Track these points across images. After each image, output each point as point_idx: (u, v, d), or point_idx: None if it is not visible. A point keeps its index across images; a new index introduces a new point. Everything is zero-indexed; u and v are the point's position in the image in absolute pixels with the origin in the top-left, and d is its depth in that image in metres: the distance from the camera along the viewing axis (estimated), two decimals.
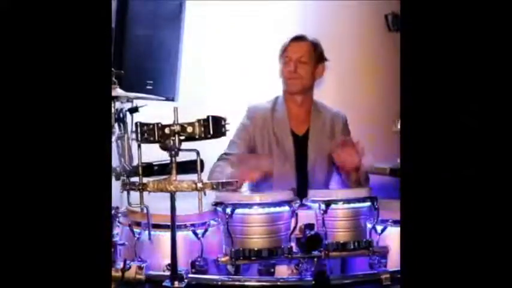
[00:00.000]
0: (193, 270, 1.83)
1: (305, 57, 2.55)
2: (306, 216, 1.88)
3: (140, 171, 1.72)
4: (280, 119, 2.58)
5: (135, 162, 1.77)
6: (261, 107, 2.62)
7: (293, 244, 1.83)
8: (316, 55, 2.60)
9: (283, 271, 1.86)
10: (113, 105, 1.85)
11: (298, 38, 2.58)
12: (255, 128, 2.56)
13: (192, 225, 1.89)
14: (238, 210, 1.80)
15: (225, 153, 2.53)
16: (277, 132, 2.56)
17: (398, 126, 1.81)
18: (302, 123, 2.62)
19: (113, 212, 1.84)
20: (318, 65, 2.61)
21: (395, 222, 1.94)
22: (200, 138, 1.67)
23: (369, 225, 1.92)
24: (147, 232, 1.83)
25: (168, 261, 1.72)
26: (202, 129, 1.65)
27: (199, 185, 1.64)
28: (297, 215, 1.84)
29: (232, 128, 1.88)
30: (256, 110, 2.60)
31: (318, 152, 2.57)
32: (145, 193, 1.69)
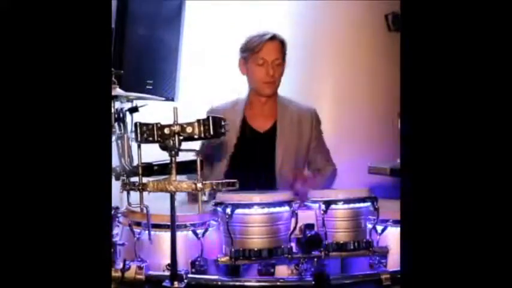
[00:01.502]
0: (193, 270, 1.83)
1: (279, 59, 2.52)
2: (306, 216, 1.88)
3: (140, 171, 1.72)
4: (234, 119, 2.52)
5: (135, 162, 1.77)
6: (219, 109, 2.57)
7: (293, 244, 1.83)
8: (284, 54, 2.56)
9: (283, 271, 1.86)
10: (112, 105, 1.85)
11: (272, 38, 2.51)
12: None
13: (192, 225, 1.89)
14: (238, 210, 1.80)
15: None
16: (230, 132, 2.49)
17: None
18: (265, 119, 2.59)
19: (112, 212, 1.84)
20: (284, 63, 2.57)
21: (395, 222, 1.94)
22: (200, 138, 1.67)
23: (369, 226, 1.92)
24: (147, 232, 1.83)
25: (168, 261, 1.72)
26: (202, 129, 1.65)
27: (199, 185, 1.64)
28: (297, 215, 1.84)
29: None
30: (214, 112, 2.52)
31: (286, 149, 2.55)
32: (145, 193, 1.70)
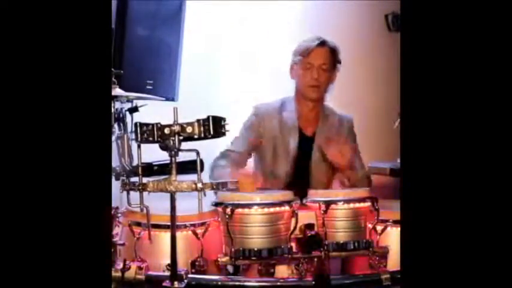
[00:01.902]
0: (193, 270, 1.83)
1: (326, 65, 2.54)
2: (306, 216, 1.88)
3: (140, 171, 1.72)
4: (288, 119, 2.58)
5: (135, 162, 1.77)
6: (268, 106, 2.62)
7: (293, 244, 1.83)
8: (335, 61, 2.59)
9: (283, 271, 1.86)
10: (112, 105, 1.85)
11: (321, 44, 2.55)
12: (262, 126, 2.55)
13: (192, 225, 1.89)
14: (238, 210, 1.80)
15: (228, 150, 2.54)
16: (284, 132, 2.56)
17: (397, 124, 1.82)
18: (311, 124, 2.62)
19: (112, 212, 1.84)
20: (334, 70, 2.60)
21: (395, 222, 1.94)
22: (200, 138, 1.67)
23: (369, 226, 1.92)
24: (147, 232, 1.83)
25: (168, 261, 1.72)
26: (202, 129, 1.65)
27: (199, 185, 1.64)
28: (297, 215, 1.84)
29: (232, 127, 1.88)
30: (264, 109, 2.60)
31: (322, 157, 2.56)
32: (145, 193, 1.69)
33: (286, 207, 1.83)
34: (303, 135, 2.60)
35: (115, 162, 1.82)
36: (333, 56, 2.57)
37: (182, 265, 1.76)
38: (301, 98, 2.61)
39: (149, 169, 1.78)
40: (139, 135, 1.65)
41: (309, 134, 2.61)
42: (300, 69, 2.55)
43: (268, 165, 2.56)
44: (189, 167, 1.71)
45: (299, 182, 2.49)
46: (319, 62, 2.52)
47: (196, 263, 1.84)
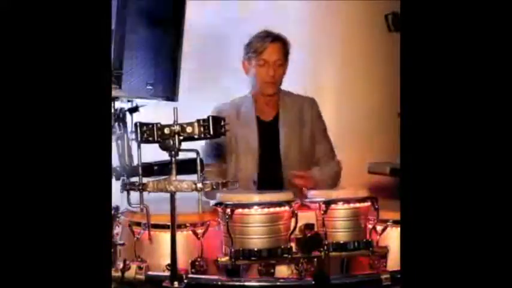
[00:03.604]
0: (193, 270, 1.83)
1: (281, 60, 2.56)
2: (306, 216, 1.88)
3: (140, 171, 1.72)
4: (246, 111, 2.60)
5: (135, 162, 1.77)
6: (224, 107, 2.63)
7: (293, 244, 1.83)
8: (287, 54, 2.60)
9: (283, 271, 1.86)
10: (112, 105, 1.85)
11: (274, 40, 2.56)
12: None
13: (192, 225, 1.89)
14: (238, 210, 1.80)
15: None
16: (242, 124, 2.56)
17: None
18: (269, 110, 2.63)
19: (113, 212, 1.84)
20: (287, 63, 2.61)
21: (395, 222, 1.94)
22: (200, 138, 1.67)
23: (369, 226, 1.92)
24: (147, 232, 1.83)
25: (168, 261, 1.72)
26: (202, 129, 1.65)
27: (199, 185, 1.64)
28: (297, 215, 1.84)
29: None
30: (220, 110, 2.59)
31: (290, 137, 2.59)
32: (145, 193, 1.70)
33: (286, 207, 1.83)
34: (262, 122, 2.60)
35: (115, 162, 1.82)
36: (285, 49, 2.58)
37: (182, 265, 1.76)
38: (258, 93, 2.62)
39: (149, 169, 1.79)
40: (139, 135, 1.65)
41: (267, 119, 2.62)
42: (255, 67, 2.56)
43: (237, 161, 2.55)
44: (189, 167, 1.71)
45: (268, 170, 2.51)
46: (274, 58, 2.53)
47: (196, 263, 1.84)
